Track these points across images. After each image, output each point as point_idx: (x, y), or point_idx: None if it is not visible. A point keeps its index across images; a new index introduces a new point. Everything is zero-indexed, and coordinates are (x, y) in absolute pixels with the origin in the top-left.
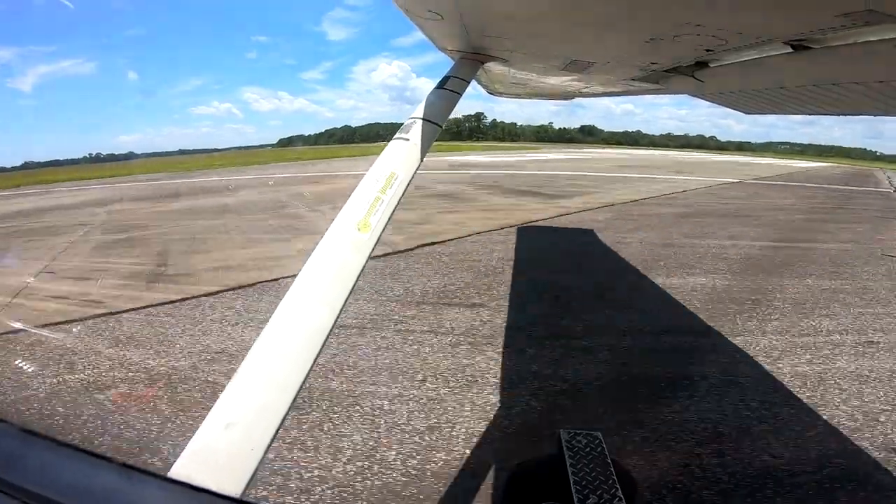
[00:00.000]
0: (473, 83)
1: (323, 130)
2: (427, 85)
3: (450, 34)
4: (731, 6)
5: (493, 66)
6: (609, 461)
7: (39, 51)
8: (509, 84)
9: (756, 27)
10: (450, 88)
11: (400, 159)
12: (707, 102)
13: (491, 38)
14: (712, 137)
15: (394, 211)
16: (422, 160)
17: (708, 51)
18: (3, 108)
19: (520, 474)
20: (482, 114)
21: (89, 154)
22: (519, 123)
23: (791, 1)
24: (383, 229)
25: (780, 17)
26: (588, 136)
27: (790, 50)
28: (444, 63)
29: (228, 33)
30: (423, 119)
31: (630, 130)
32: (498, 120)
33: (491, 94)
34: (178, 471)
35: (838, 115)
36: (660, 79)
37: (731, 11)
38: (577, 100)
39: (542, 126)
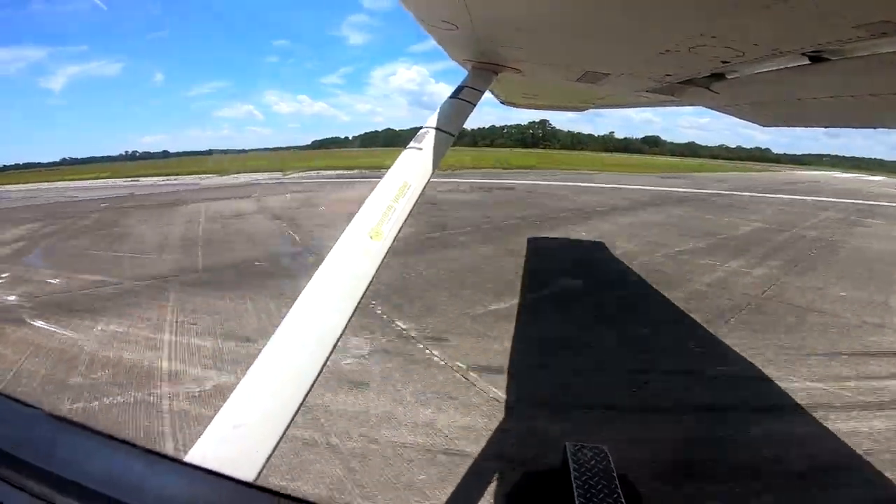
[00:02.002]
0: (486, 92)
1: (363, 133)
2: (445, 90)
3: (464, 44)
4: (746, 18)
5: (507, 76)
6: (614, 475)
7: (70, 51)
8: (522, 94)
9: (772, 39)
10: (463, 98)
11: (413, 169)
12: None
13: (505, 49)
14: (767, 149)
15: (406, 219)
16: (434, 169)
17: (724, 62)
18: (35, 106)
19: (524, 485)
20: (546, 121)
21: (125, 151)
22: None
23: (807, 13)
24: (395, 237)
25: (796, 28)
26: (653, 146)
27: (807, 61)
28: (461, 68)
29: (250, 37)
30: (437, 128)
31: (688, 141)
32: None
33: (504, 103)
34: (194, 456)
35: (856, 127)
36: (675, 90)
37: (747, 23)
38: (593, 109)
39: (605, 135)
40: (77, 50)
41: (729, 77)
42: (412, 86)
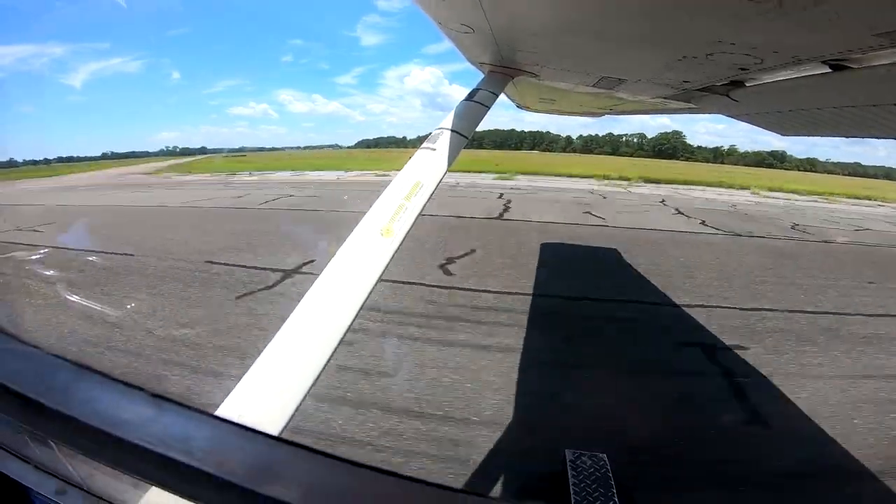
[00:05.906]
0: (502, 96)
1: (426, 133)
2: (459, 92)
3: (481, 47)
4: (765, 25)
5: (523, 81)
6: (612, 483)
7: (91, 48)
8: (538, 99)
9: (792, 46)
10: (478, 101)
11: (426, 169)
12: None
13: (521, 53)
14: (857, 163)
15: (416, 218)
16: (447, 170)
17: (743, 70)
18: (57, 102)
19: (521, 493)
20: (681, 132)
21: (165, 147)
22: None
23: (827, 21)
24: (405, 235)
25: (816, 36)
26: (780, 161)
27: (828, 69)
28: (476, 70)
29: (266, 35)
30: (451, 130)
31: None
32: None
33: (519, 107)
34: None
35: (878, 137)
36: (693, 98)
37: (766, 30)
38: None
39: (730, 148)
40: (98, 47)
41: (748, 84)
42: (426, 87)
